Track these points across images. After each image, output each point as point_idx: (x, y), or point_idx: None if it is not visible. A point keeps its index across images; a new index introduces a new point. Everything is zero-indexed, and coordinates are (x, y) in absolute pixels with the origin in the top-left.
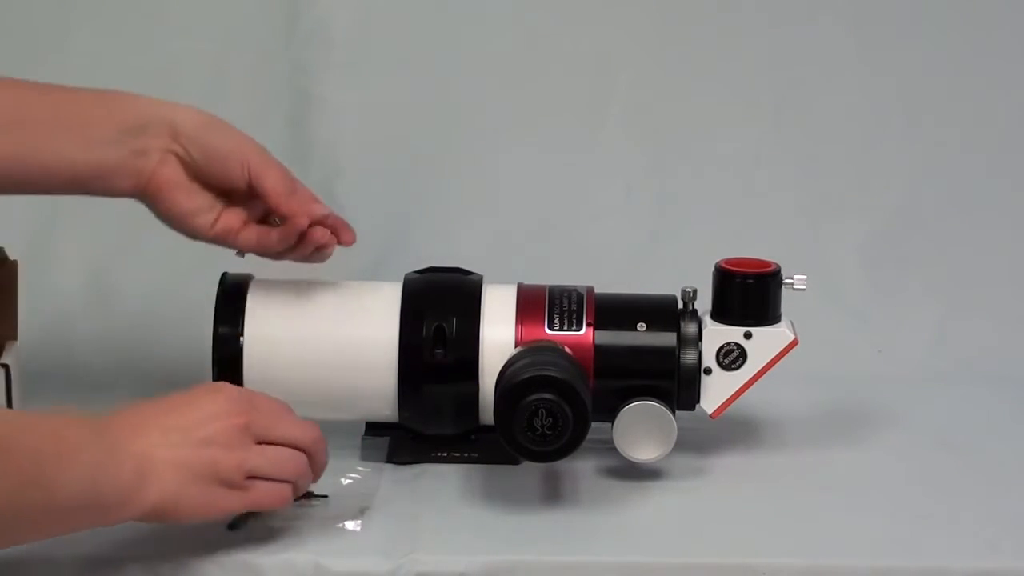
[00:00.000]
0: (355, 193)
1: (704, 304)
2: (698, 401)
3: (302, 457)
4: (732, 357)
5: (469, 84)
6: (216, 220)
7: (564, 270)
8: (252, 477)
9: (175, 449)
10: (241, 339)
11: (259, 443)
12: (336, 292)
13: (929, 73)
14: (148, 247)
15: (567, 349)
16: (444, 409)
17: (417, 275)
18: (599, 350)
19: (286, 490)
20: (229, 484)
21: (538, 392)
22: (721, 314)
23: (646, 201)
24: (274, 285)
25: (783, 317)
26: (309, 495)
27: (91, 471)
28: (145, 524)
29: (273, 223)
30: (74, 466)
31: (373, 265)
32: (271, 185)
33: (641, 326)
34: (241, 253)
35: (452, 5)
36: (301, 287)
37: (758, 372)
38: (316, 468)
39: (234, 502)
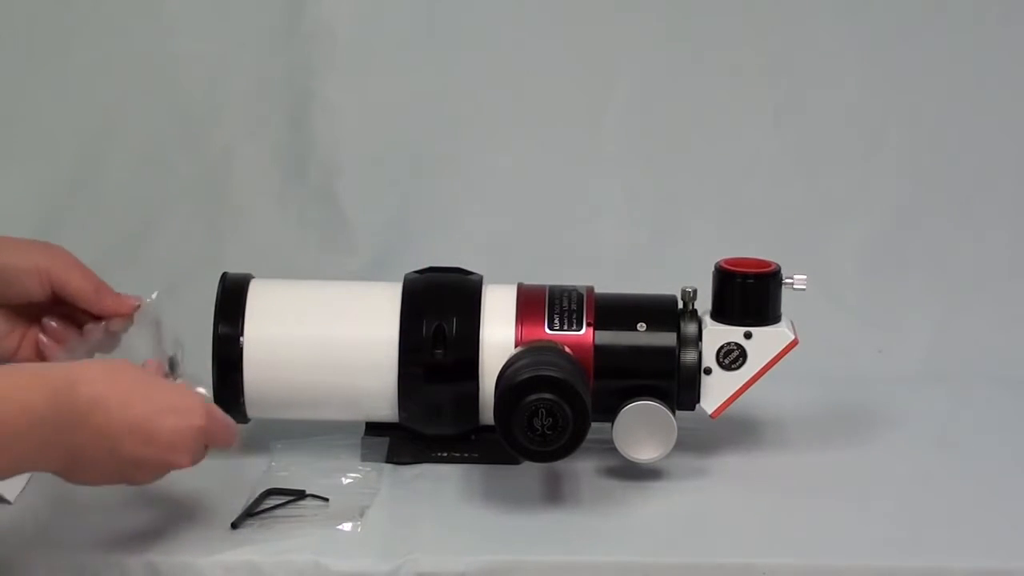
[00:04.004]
0: (355, 193)
1: (704, 304)
2: (698, 401)
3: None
4: (732, 357)
5: (469, 84)
6: (20, 343)
7: (564, 270)
8: None
9: (108, 463)
10: (241, 339)
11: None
12: (336, 292)
13: (929, 73)
14: (148, 247)
15: (567, 349)
16: (444, 409)
17: (417, 275)
18: (599, 350)
19: None
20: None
21: (538, 392)
22: (721, 314)
23: (646, 201)
24: (274, 285)
25: (783, 317)
26: (303, 495)
27: (37, 458)
28: (145, 523)
29: (82, 320)
30: (30, 456)
31: (373, 265)
32: (76, 290)
33: (641, 326)
34: None
35: (452, 5)
36: (301, 287)
37: (758, 372)
38: None
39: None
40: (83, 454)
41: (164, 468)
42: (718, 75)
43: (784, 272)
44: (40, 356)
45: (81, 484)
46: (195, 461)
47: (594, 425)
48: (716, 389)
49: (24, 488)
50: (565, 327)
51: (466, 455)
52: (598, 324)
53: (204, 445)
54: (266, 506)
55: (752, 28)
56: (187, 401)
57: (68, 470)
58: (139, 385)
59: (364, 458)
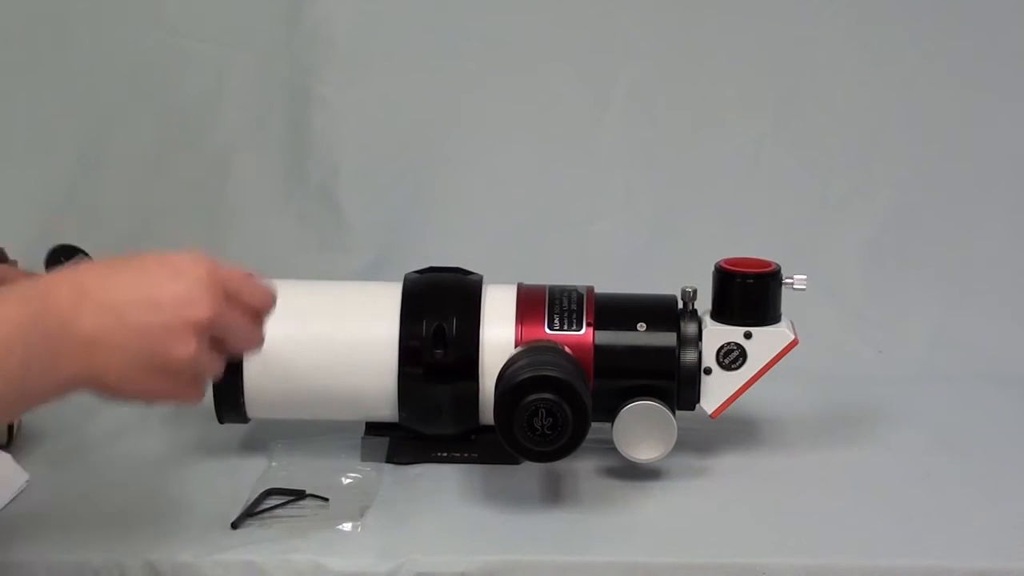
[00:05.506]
0: (355, 193)
1: (704, 304)
2: (698, 401)
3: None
4: (732, 357)
5: (469, 84)
6: None
7: (564, 270)
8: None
9: (129, 338)
10: None
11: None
12: (336, 292)
13: (929, 74)
14: (148, 247)
15: (567, 349)
16: (444, 409)
17: (417, 275)
18: (599, 350)
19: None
20: (175, 376)
21: (538, 392)
22: (721, 314)
23: (646, 201)
24: (274, 285)
25: (783, 317)
26: (303, 495)
27: (42, 373)
28: (145, 523)
29: None
30: (28, 373)
31: (373, 265)
32: None
33: (641, 326)
34: None
35: (452, 5)
36: (301, 287)
37: (758, 372)
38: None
39: (171, 394)
40: (96, 342)
41: (187, 328)
42: (718, 75)
43: (784, 272)
44: None
45: (119, 393)
46: (217, 310)
47: (594, 425)
48: (716, 389)
49: (21, 491)
50: (565, 327)
51: (466, 455)
52: (598, 324)
53: (222, 290)
54: (266, 506)
55: (753, 27)
56: (182, 258)
57: (91, 370)
58: (118, 264)
59: (364, 458)
